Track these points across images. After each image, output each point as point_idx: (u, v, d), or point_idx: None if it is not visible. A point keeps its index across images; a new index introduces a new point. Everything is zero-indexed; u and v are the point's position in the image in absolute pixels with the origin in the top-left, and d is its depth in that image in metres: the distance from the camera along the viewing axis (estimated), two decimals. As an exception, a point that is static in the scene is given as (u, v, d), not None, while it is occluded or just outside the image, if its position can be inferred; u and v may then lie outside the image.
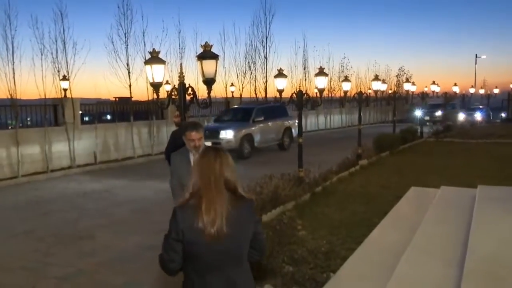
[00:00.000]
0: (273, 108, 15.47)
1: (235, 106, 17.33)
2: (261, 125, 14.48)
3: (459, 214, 5.44)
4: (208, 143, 11.66)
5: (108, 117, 16.42)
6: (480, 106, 28.98)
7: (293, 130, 15.68)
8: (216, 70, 4.77)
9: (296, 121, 15.38)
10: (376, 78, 13.74)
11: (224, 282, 1.91)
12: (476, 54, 39.41)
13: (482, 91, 31.14)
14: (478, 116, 26.02)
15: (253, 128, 14.19)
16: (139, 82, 15.06)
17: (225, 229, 1.85)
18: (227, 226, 1.85)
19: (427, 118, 23.91)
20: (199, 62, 4.72)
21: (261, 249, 2.11)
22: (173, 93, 4.83)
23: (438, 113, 24.91)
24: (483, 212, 5.10)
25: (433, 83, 20.13)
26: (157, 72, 4.95)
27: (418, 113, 19.51)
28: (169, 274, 1.97)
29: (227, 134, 13.22)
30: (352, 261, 4.35)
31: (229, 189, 1.91)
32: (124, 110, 15.07)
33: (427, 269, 3.91)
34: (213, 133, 13.23)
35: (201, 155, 1.99)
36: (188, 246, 1.89)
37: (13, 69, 11.32)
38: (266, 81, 20.53)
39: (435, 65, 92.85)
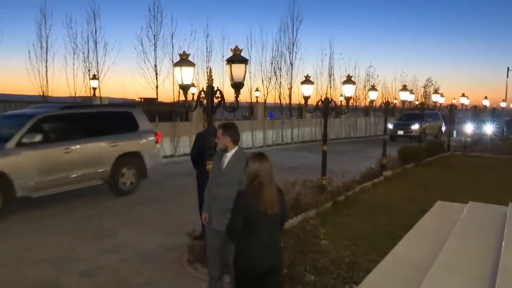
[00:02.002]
0: (100, 115, 8.01)
1: (5, 113, 9.06)
2: (46, 150, 7.17)
3: (489, 232, 5.26)
4: None
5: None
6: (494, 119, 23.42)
7: (146, 159, 8.53)
8: (245, 74, 4.77)
9: (153, 138, 8.80)
10: (404, 88, 13.49)
11: (267, 238, 2.96)
12: (508, 67, 38.52)
13: (513, 106, 30.14)
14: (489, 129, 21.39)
15: (13, 158, 6.77)
16: (166, 83, 15.27)
17: (278, 210, 2.95)
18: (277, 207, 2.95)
19: (400, 132, 20.72)
20: (228, 66, 4.72)
21: (284, 216, 3.19)
22: (201, 96, 4.85)
23: (415, 126, 20.16)
24: (515, 231, 4.91)
25: (463, 95, 19.55)
26: (186, 74, 4.98)
27: (389, 125, 16.05)
28: (234, 234, 2.97)
29: None
30: (375, 274, 4.26)
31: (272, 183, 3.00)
32: (149, 111, 15.28)
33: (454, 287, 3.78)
34: None
35: (263, 160, 2.97)
36: (249, 219, 2.88)
37: (46, 66, 11.75)
38: (291, 87, 20.51)
39: (465, 77, 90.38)
